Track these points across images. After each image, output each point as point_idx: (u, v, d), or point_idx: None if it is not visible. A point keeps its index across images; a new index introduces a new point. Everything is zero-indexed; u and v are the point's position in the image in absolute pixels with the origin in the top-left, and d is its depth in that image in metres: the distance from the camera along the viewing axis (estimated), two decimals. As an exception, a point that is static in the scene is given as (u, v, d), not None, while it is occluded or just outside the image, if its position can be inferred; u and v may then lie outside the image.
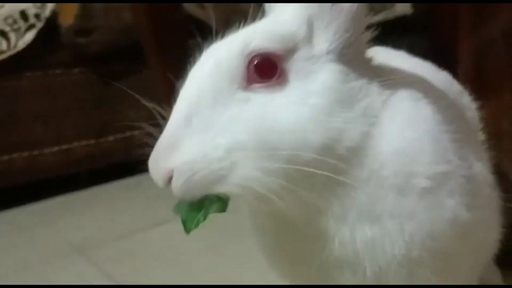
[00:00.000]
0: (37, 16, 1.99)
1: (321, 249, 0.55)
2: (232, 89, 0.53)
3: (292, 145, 0.50)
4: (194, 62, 0.57)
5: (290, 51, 0.54)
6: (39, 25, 2.00)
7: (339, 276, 0.57)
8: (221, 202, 0.53)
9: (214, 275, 1.17)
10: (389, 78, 0.57)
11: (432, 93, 0.60)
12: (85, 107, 2.19)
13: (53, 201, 2.06)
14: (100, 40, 2.12)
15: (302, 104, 0.52)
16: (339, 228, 0.54)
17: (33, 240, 1.64)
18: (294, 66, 0.54)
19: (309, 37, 0.56)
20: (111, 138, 2.24)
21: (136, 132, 2.30)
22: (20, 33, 1.96)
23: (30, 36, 1.98)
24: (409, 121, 0.55)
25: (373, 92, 0.56)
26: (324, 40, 0.56)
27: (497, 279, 0.89)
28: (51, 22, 2.03)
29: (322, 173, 0.51)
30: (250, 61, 0.53)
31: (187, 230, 0.54)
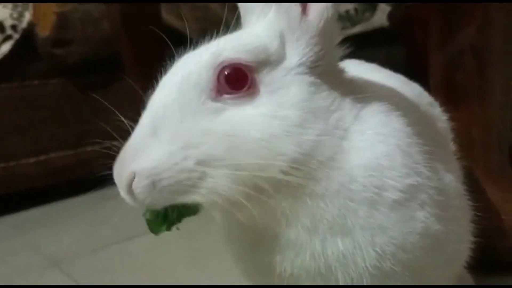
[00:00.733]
0: (13, 27, 1.98)
1: (292, 260, 0.56)
2: (201, 100, 0.53)
3: (262, 158, 0.51)
4: (165, 72, 0.57)
5: (262, 63, 0.55)
6: (16, 36, 1.98)
7: (312, 284, 0.57)
8: (193, 205, 0.53)
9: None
10: (362, 94, 0.58)
11: (403, 106, 0.61)
12: (63, 118, 2.17)
13: (29, 213, 2.03)
14: (78, 51, 2.11)
15: (273, 117, 0.52)
16: (310, 239, 0.54)
17: (8, 253, 1.61)
18: (266, 78, 0.54)
19: (281, 50, 0.56)
20: (89, 148, 2.22)
21: (115, 143, 2.29)
22: (-4, 44, 1.95)
23: (6, 47, 1.96)
24: (380, 135, 0.56)
25: (345, 106, 0.56)
26: (296, 53, 0.56)
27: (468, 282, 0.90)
28: (28, 33, 2.02)
29: (290, 184, 0.52)
30: (220, 72, 0.53)
31: (154, 232, 0.54)
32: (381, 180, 0.54)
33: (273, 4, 0.58)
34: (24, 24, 2.01)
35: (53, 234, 1.75)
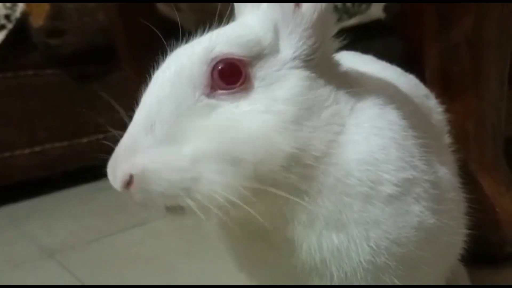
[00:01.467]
0: (7, 17, 1.97)
1: (288, 255, 0.56)
2: (195, 96, 0.52)
3: (257, 154, 0.50)
4: (158, 66, 0.57)
5: (256, 57, 0.54)
6: (9, 26, 1.97)
7: (307, 280, 0.57)
8: None
9: (187, 279, 1.17)
10: (356, 88, 0.57)
11: (398, 99, 0.61)
12: (58, 108, 2.17)
13: (24, 204, 2.03)
14: (73, 41, 2.10)
15: (267, 112, 0.51)
16: (306, 235, 0.54)
17: (3, 244, 1.61)
18: (260, 72, 0.53)
19: (275, 43, 0.55)
20: (84, 140, 2.22)
21: (110, 134, 2.28)
22: (-10, 34, 1.94)
23: (0, 37, 1.95)
24: (375, 129, 0.55)
25: (341, 100, 0.56)
26: (289, 46, 0.55)
27: (464, 279, 0.91)
28: (22, 23, 2.00)
29: (288, 181, 0.51)
30: (214, 67, 0.52)
31: None
32: (377, 174, 0.53)
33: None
34: (17, 13, 1.99)
35: (48, 225, 1.75)
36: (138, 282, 1.16)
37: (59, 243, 1.54)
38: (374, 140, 0.55)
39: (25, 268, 1.38)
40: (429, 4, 0.87)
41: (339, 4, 1.86)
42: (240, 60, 0.52)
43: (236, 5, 0.62)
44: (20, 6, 2.00)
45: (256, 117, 0.51)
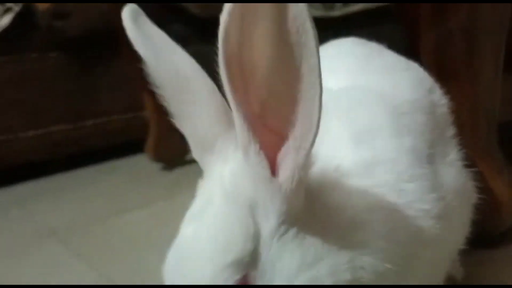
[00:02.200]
0: (14, -1, 1.98)
1: None
2: None
3: None
4: None
5: (251, 261, 0.52)
6: (16, 8, 1.98)
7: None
8: None
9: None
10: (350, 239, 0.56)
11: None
12: (62, 91, 2.19)
13: (29, 186, 2.07)
14: (78, 24, 2.11)
15: None
16: None
17: (6, 223, 1.65)
18: (260, 271, 0.52)
19: (257, 228, 0.52)
20: (88, 123, 2.25)
21: (113, 118, 2.31)
22: (-4, 17, 1.96)
23: (6, 20, 1.97)
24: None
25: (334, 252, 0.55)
26: (272, 217, 0.52)
27: (459, 275, 0.93)
28: (28, 6, 2.02)
29: None
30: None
31: None
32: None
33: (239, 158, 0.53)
34: (24, -4, 2.01)
35: (52, 205, 1.78)
36: (140, 262, 1.19)
37: (63, 223, 1.58)
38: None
39: (27, 245, 1.42)
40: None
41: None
42: (244, 280, 0.52)
43: (198, 157, 0.60)
44: (26, -12, 2.01)
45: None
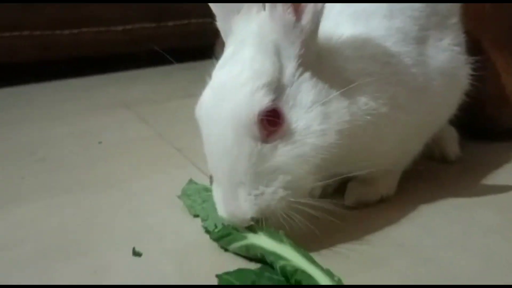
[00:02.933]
0: None
1: None
2: (258, 146, 0.63)
3: (316, 156, 0.66)
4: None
5: (278, 91, 0.65)
6: None
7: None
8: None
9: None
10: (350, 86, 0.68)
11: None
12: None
13: (115, 74, 2.33)
14: None
15: (309, 128, 0.65)
16: None
17: (91, 97, 1.91)
18: (285, 98, 0.65)
19: (281, 65, 0.66)
20: (170, 23, 2.44)
21: (193, 21, 2.48)
22: None
23: None
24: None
25: (336, 99, 0.68)
26: (292, 58, 0.66)
27: (452, 155, 1.00)
28: None
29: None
30: (261, 121, 0.63)
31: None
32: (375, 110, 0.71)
33: (265, 13, 0.67)
34: None
35: (131, 88, 2.03)
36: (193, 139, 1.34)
37: (136, 99, 1.81)
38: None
39: (103, 112, 1.67)
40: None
41: None
42: (274, 104, 0.64)
43: (224, 22, 0.73)
44: None
45: (305, 135, 0.65)
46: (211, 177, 0.87)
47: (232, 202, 0.65)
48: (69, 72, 2.30)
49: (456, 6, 0.89)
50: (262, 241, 0.65)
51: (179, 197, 0.86)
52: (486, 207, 0.80)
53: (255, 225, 0.66)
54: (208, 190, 0.82)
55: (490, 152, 1.04)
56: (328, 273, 0.58)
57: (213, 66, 0.70)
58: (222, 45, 0.74)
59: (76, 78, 2.29)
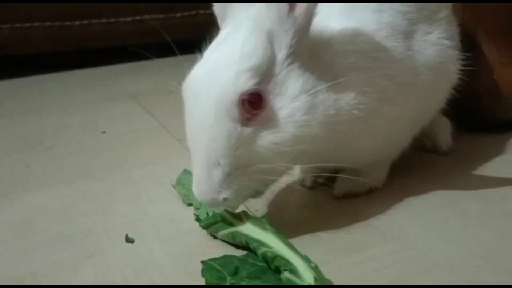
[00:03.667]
0: None
1: None
2: (238, 129, 0.64)
3: (298, 146, 0.67)
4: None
5: (265, 76, 0.65)
6: None
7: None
8: None
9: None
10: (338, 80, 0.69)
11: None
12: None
13: (125, 65, 2.37)
14: None
15: (292, 116, 0.66)
16: None
17: (101, 88, 1.96)
18: (271, 84, 0.66)
19: (272, 52, 0.67)
20: (178, 14, 2.47)
21: (200, 12, 2.51)
22: None
23: None
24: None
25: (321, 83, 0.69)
26: (284, 46, 0.67)
27: (444, 146, 1.01)
28: None
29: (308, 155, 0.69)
30: (242, 102, 0.64)
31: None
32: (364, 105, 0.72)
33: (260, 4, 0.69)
34: None
35: (139, 80, 2.07)
36: None
37: (143, 91, 1.85)
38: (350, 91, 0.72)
39: (110, 103, 1.71)
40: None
41: None
42: (258, 88, 0.65)
43: (221, 7, 0.74)
44: None
45: (286, 124, 0.66)
46: None
47: (206, 182, 0.66)
48: (79, 63, 2.35)
49: None
50: (246, 228, 0.68)
51: (174, 186, 0.89)
52: (471, 197, 0.82)
53: (233, 212, 0.69)
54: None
55: (484, 144, 1.05)
56: (306, 259, 0.60)
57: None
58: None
59: (87, 69, 2.34)
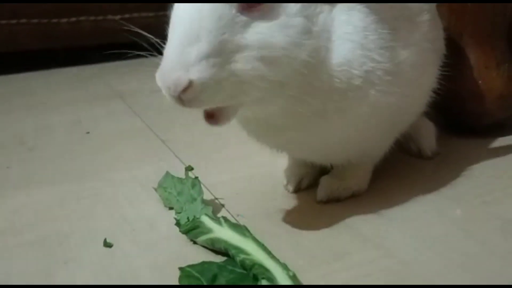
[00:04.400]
0: None
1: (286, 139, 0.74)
2: (233, 13, 0.58)
3: (284, 63, 0.61)
4: None
5: None
6: None
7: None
8: None
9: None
10: None
11: None
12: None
13: (113, 63, 2.34)
14: None
15: (287, 26, 0.61)
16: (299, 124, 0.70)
17: (88, 87, 1.94)
18: None
19: None
20: (168, 13, 2.45)
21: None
22: None
23: None
24: (346, 34, 0.67)
25: (324, 8, 0.66)
26: None
27: (428, 151, 1.00)
28: None
29: (296, 84, 0.64)
30: None
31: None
32: (350, 72, 0.67)
33: None
34: None
35: (127, 79, 2.04)
36: (187, 128, 1.34)
37: (130, 90, 1.83)
38: (346, 45, 0.67)
39: (96, 102, 1.69)
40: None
41: None
42: None
43: None
44: None
45: (281, 31, 0.60)
46: (186, 169, 0.90)
47: (175, 58, 0.57)
48: (67, 61, 2.33)
49: (429, 4, 0.88)
50: (225, 234, 0.67)
51: (155, 189, 0.88)
52: (455, 202, 0.81)
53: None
54: (183, 183, 0.84)
55: (469, 148, 1.04)
56: (284, 267, 0.59)
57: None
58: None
59: (74, 67, 2.31)
